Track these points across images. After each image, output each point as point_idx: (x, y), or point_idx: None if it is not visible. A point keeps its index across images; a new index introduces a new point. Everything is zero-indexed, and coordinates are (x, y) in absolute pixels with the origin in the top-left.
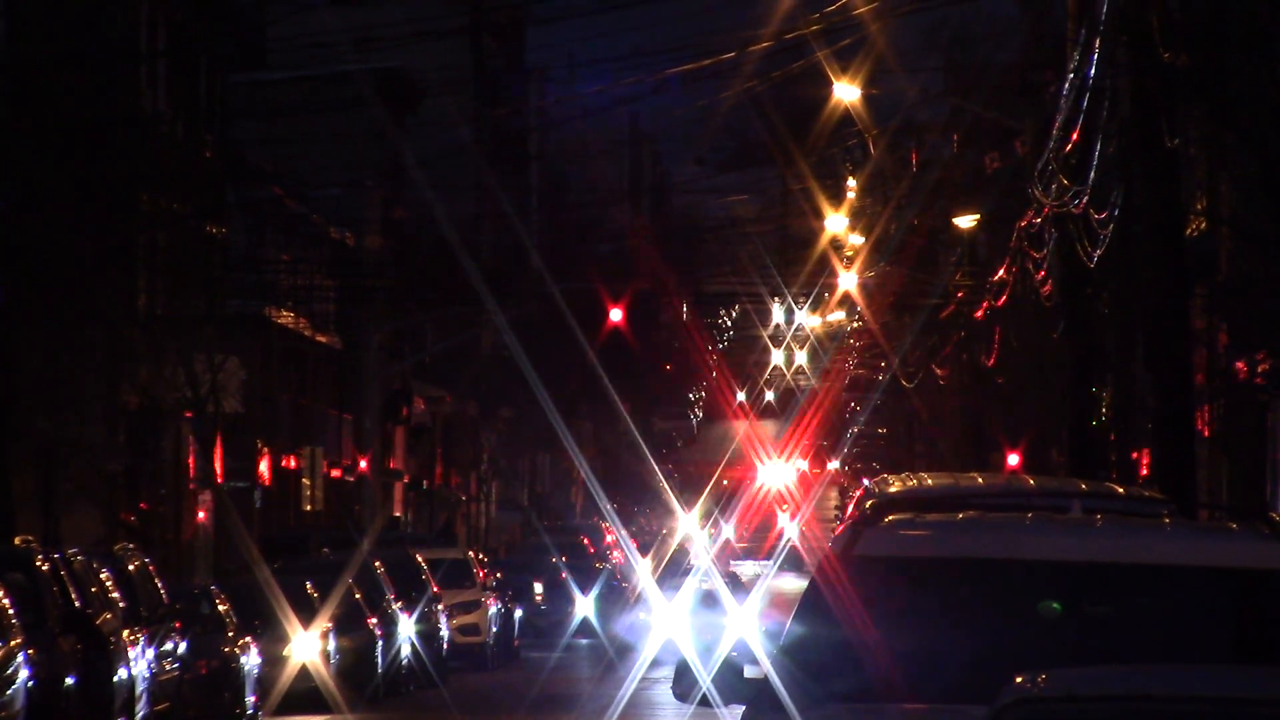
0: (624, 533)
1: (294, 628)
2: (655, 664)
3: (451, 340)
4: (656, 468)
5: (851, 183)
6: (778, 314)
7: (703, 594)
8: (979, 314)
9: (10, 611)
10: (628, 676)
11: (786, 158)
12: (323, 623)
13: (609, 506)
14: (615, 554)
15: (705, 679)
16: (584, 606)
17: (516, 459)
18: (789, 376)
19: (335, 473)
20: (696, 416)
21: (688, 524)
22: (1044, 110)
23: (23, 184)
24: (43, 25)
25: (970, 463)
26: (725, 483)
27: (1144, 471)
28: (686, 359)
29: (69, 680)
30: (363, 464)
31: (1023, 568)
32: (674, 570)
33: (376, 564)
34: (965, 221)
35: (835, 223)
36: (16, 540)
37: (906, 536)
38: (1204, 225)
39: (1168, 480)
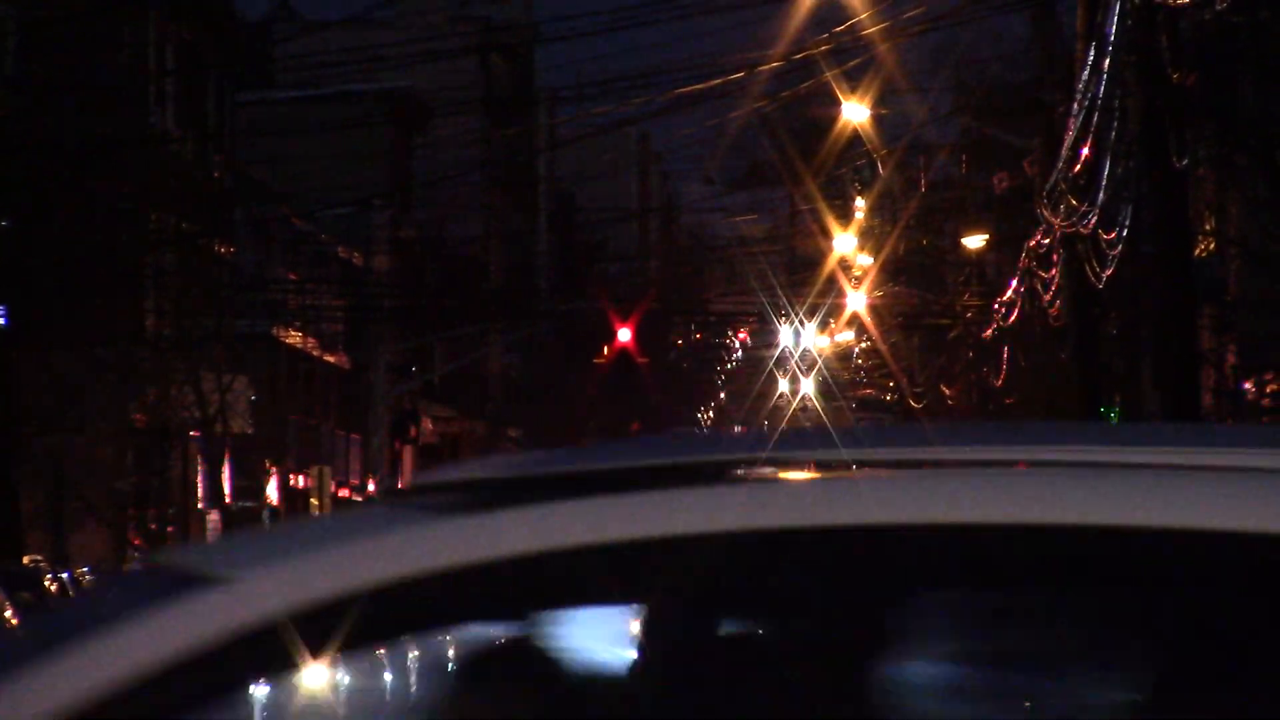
0: None
1: None
2: None
3: (460, 360)
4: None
5: (860, 203)
6: (785, 334)
7: None
8: (987, 334)
9: None
10: None
11: (795, 178)
12: None
13: None
14: None
15: None
16: None
17: None
18: (792, 399)
19: (344, 492)
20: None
21: None
22: (1053, 130)
23: (31, 202)
24: (52, 44)
25: None
26: None
27: None
28: (694, 379)
29: None
30: (371, 484)
31: None
32: None
33: None
34: (974, 242)
35: (843, 243)
36: (25, 559)
37: None
38: (1212, 245)
39: None
